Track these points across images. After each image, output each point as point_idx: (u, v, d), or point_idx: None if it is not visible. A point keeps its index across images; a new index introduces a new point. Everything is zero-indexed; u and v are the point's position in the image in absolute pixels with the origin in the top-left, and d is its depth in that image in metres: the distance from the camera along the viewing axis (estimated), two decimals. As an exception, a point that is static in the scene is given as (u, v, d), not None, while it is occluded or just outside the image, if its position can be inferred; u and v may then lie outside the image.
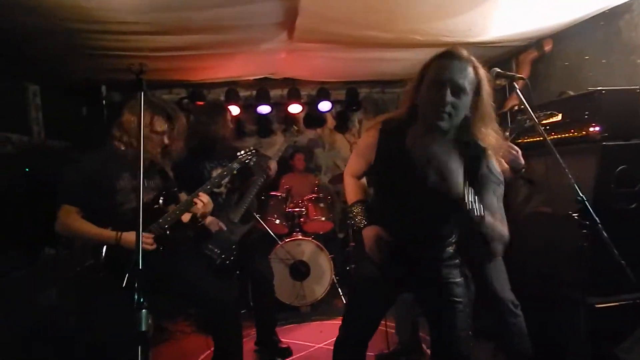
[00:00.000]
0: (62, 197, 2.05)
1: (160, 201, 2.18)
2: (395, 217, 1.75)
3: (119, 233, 1.98)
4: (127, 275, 1.77)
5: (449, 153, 1.60)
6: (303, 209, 4.24)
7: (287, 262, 3.98)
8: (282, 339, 3.26)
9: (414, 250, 1.75)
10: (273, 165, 3.14)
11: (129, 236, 1.98)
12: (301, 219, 4.24)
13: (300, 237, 4.08)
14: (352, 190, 1.90)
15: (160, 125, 2.14)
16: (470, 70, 1.53)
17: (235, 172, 2.54)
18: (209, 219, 2.85)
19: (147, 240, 2.05)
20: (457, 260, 1.78)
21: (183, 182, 2.38)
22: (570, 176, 1.69)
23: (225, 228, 2.93)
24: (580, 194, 1.64)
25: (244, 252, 3.02)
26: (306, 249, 4.06)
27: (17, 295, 2.43)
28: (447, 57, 1.55)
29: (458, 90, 1.51)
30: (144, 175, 1.26)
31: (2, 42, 2.75)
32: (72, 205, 2.02)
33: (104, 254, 2.00)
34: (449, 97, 1.50)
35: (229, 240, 2.96)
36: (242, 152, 2.62)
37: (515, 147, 2.29)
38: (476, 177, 1.58)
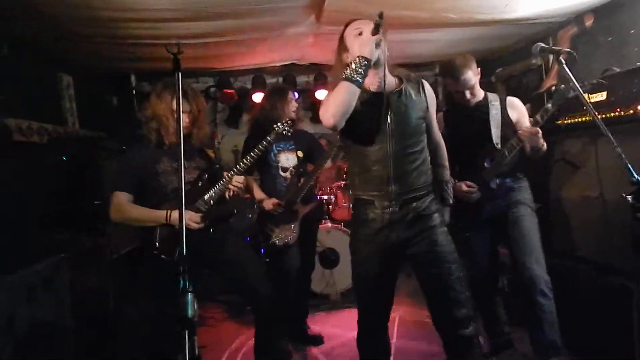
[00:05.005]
0: (113, 186, 2.15)
1: (204, 179, 2.25)
2: (382, 166, 1.82)
3: (169, 211, 2.05)
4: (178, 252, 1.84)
5: None
6: (331, 196, 4.21)
7: (317, 249, 3.96)
8: (313, 327, 3.26)
9: (403, 204, 1.80)
10: None
11: (177, 214, 2.02)
12: (329, 206, 4.21)
13: (329, 224, 4.06)
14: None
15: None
16: None
17: (271, 141, 2.56)
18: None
19: (194, 219, 2.12)
20: (445, 228, 1.87)
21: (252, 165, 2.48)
22: (623, 156, 1.58)
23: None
24: (636, 176, 1.55)
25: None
26: (335, 236, 4.02)
27: (65, 276, 2.51)
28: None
29: None
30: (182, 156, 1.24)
31: (36, 32, 2.79)
32: (123, 191, 2.11)
33: (158, 234, 2.09)
34: None
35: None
36: (279, 123, 2.66)
37: (535, 129, 2.21)
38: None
